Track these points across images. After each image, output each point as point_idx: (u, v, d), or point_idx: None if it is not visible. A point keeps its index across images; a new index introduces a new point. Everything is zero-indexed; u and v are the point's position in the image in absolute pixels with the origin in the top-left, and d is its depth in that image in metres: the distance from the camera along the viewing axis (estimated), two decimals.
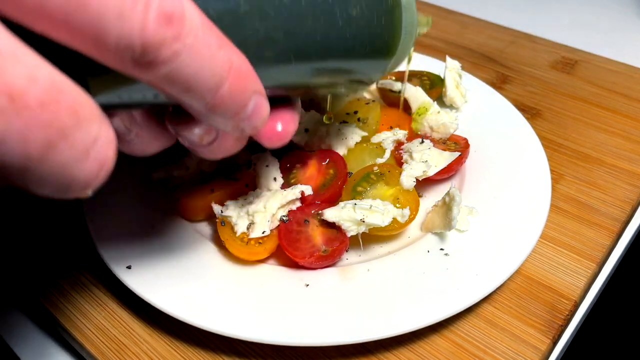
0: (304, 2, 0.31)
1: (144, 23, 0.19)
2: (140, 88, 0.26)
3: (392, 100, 0.62)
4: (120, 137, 0.31)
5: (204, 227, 0.51)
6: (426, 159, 0.52)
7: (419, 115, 0.58)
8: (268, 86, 0.32)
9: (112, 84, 0.26)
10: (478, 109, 0.63)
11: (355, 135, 0.54)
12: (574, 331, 0.49)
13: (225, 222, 0.47)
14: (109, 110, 0.26)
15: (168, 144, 0.33)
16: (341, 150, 0.53)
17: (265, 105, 0.29)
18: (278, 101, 0.35)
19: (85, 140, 0.20)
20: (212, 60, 0.23)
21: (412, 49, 0.41)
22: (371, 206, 0.46)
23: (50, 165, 0.19)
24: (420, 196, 0.53)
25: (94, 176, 0.21)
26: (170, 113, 0.31)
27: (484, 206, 0.50)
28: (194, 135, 0.30)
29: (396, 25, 0.37)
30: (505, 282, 0.45)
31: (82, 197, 0.22)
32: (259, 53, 0.30)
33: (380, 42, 0.37)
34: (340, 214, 0.46)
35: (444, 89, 0.62)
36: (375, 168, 0.51)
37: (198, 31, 0.22)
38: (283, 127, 0.35)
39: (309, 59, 0.33)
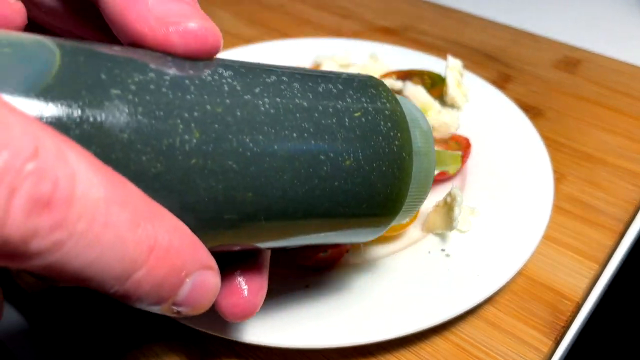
0: (280, 151, 0.25)
1: (6, 213, 0.15)
2: None
3: None
4: None
5: None
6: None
7: None
8: (230, 246, 0.28)
9: None
10: (480, 108, 0.62)
11: None
12: (576, 332, 0.49)
13: None
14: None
15: None
16: None
17: (212, 282, 0.25)
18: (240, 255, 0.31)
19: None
20: (119, 244, 0.18)
21: (425, 199, 0.36)
22: None
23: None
24: None
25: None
26: None
27: (486, 206, 0.50)
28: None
29: (403, 178, 0.31)
30: (507, 283, 0.45)
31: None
32: (215, 217, 0.24)
33: (379, 200, 0.30)
34: None
35: (445, 88, 0.62)
36: None
37: (98, 212, 0.17)
38: (252, 299, 0.30)
39: (283, 219, 0.27)
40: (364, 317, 0.41)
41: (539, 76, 0.75)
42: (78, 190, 0.17)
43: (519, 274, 0.48)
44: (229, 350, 0.43)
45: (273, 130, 0.25)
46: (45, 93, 0.20)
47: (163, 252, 0.21)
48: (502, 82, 0.74)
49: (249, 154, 0.24)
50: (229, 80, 0.26)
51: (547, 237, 0.51)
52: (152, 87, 0.23)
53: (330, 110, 0.29)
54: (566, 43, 0.82)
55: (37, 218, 0.16)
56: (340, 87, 0.30)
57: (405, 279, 0.44)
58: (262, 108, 0.26)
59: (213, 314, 0.41)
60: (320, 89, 0.29)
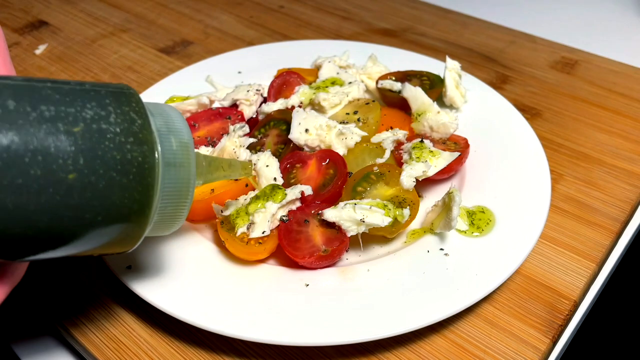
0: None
1: None
2: None
3: (392, 100, 0.62)
4: None
5: (204, 227, 0.51)
6: (426, 159, 0.52)
7: (419, 116, 0.58)
8: None
9: None
10: (478, 109, 0.63)
11: (355, 135, 0.54)
12: (573, 331, 0.49)
13: (225, 222, 0.47)
14: None
15: None
16: (341, 150, 0.53)
17: None
18: None
19: None
20: None
21: (187, 208, 0.36)
22: (371, 206, 0.46)
23: None
24: (420, 196, 0.53)
25: None
26: None
27: (484, 206, 0.50)
28: None
29: (146, 189, 0.31)
30: (505, 282, 0.45)
31: None
32: None
33: (120, 211, 0.30)
34: (340, 214, 0.46)
35: (443, 89, 0.62)
36: (375, 168, 0.51)
37: None
38: None
39: (6, 227, 0.27)
40: (363, 315, 0.41)
41: (536, 77, 0.75)
42: None
43: (517, 273, 0.49)
44: (229, 348, 0.44)
45: None
46: None
47: None
48: (500, 83, 0.74)
49: None
50: None
51: (544, 237, 0.52)
52: None
53: (53, 123, 0.28)
54: (563, 44, 0.82)
55: None
56: (85, 101, 0.30)
57: (404, 278, 0.44)
58: None
59: (215, 312, 0.42)
60: (49, 100, 0.29)
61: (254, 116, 0.62)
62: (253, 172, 0.50)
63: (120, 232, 0.32)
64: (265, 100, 0.63)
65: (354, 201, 0.47)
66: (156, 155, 0.32)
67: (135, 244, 0.34)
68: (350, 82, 0.62)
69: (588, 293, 0.50)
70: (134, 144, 0.31)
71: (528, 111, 0.68)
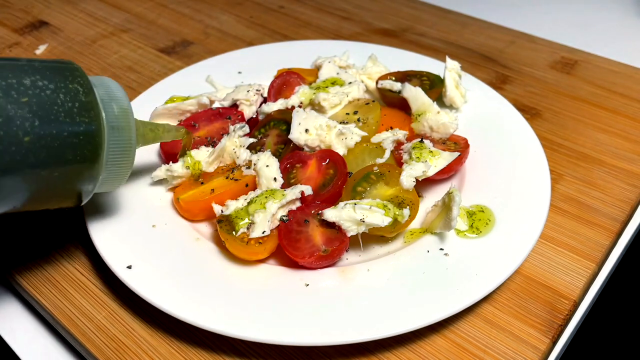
0: None
1: None
2: None
3: (392, 100, 0.62)
4: None
5: (204, 227, 0.51)
6: (426, 159, 0.52)
7: (419, 116, 0.58)
8: None
9: None
10: (478, 109, 0.63)
11: (355, 135, 0.54)
12: (573, 331, 0.49)
13: (225, 222, 0.47)
14: None
15: None
16: (341, 150, 0.53)
17: None
18: None
19: None
20: None
21: (129, 167, 0.42)
22: (371, 206, 0.46)
23: None
24: (420, 196, 0.53)
25: None
26: None
27: (484, 205, 0.50)
28: None
29: (94, 149, 0.37)
30: (505, 282, 0.45)
31: None
32: None
33: (73, 168, 0.37)
34: (340, 214, 0.46)
35: (443, 89, 0.62)
36: (375, 168, 0.51)
37: None
38: None
39: None
40: (363, 315, 0.41)
41: (536, 77, 0.75)
42: None
43: (517, 273, 0.49)
44: (229, 348, 0.44)
45: None
46: None
47: None
48: (500, 83, 0.74)
49: None
50: None
51: (544, 237, 0.52)
52: None
53: (14, 96, 0.34)
54: (563, 44, 0.82)
55: None
56: (34, 76, 0.35)
57: (404, 278, 0.44)
58: None
59: (215, 312, 0.42)
60: (10, 80, 0.34)
61: (254, 116, 0.62)
62: (186, 136, 0.52)
63: (73, 186, 0.38)
64: (265, 101, 0.63)
65: (354, 201, 0.47)
66: (101, 119, 0.38)
67: (86, 198, 0.40)
68: (350, 82, 0.62)
69: (588, 293, 0.50)
70: (81, 109, 0.37)
71: (528, 111, 0.69)
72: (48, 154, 0.35)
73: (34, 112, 0.34)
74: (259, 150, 0.55)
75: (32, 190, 0.36)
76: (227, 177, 0.52)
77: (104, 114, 0.38)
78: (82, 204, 0.41)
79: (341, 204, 0.47)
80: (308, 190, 0.49)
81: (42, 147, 0.34)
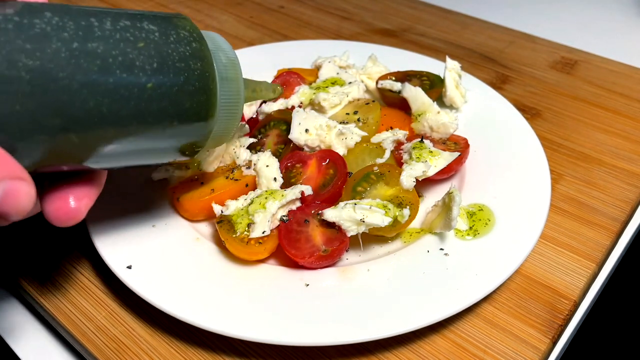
0: (85, 77, 0.30)
1: None
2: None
3: (392, 100, 0.62)
4: None
5: (204, 227, 0.51)
6: (426, 159, 0.52)
7: (419, 116, 0.58)
8: (54, 165, 0.32)
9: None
10: (478, 109, 0.63)
11: (355, 135, 0.54)
12: (573, 331, 0.49)
13: (225, 222, 0.47)
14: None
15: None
16: (341, 150, 0.53)
17: (24, 190, 0.28)
18: (76, 174, 0.34)
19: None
20: None
21: (238, 119, 0.42)
22: (371, 206, 0.46)
23: None
24: (420, 196, 0.53)
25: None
26: None
27: (482, 204, 0.50)
28: None
29: (210, 98, 0.37)
30: (505, 282, 0.45)
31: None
32: (28, 131, 0.29)
33: (190, 116, 0.36)
34: (340, 214, 0.46)
35: (443, 89, 0.63)
36: (375, 168, 0.51)
37: None
38: (75, 203, 0.33)
39: (93, 137, 0.32)
40: (363, 315, 0.41)
41: (536, 77, 0.75)
42: None
43: (517, 273, 0.49)
44: (229, 348, 0.44)
45: (77, 57, 0.30)
46: None
47: None
48: (500, 83, 0.74)
49: (61, 80, 0.29)
50: (52, 20, 0.30)
51: (544, 237, 0.52)
52: None
53: (132, 40, 0.33)
54: (563, 44, 0.82)
55: None
56: (144, 22, 0.35)
57: (404, 278, 0.44)
58: (69, 36, 0.30)
59: (215, 312, 0.42)
60: (125, 23, 0.33)
61: (254, 116, 0.62)
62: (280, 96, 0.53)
63: (190, 135, 0.37)
64: (265, 101, 0.63)
65: (354, 201, 0.47)
66: (214, 67, 0.37)
67: (200, 147, 0.40)
68: (350, 82, 0.62)
69: (588, 293, 0.50)
70: (194, 56, 0.36)
71: (528, 111, 0.69)
72: (169, 101, 0.34)
73: (152, 57, 0.33)
74: (259, 150, 0.55)
75: (153, 141, 0.35)
76: (227, 177, 0.52)
77: (215, 63, 0.38)
78: (193, 157, 0.41)
79: (341, 204, 0.47)
80: (308, 190, 0.49)
81: (162, 94, 0.34)
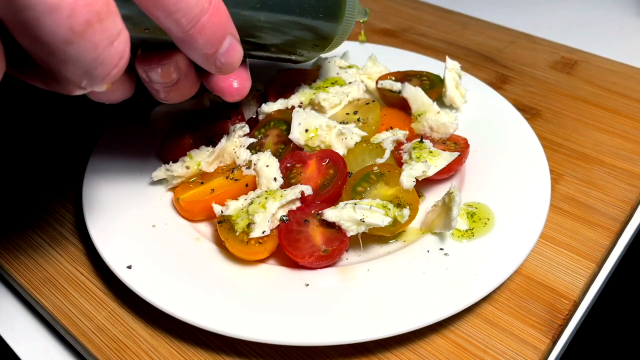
0: None
1: None
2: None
3: (392, 100, 0.62)
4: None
5: (204, 227, 0.51)
6: (426, 159, 0.52)
7: (419, 116, 0.58)
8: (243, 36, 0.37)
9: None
10: (478, 109, 0.63)
11: (355, 135, 0.54)
12: (573, 331, 0.49)
13: (225, 222, 0.47)
14: None
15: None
16: (341, 150, 0.53)
17: (239, 50, 0.35)
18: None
19: (112, 29, 0.25)
20: None
21: (355, 18, 0.51)
22: (371, 206, 0.46)
23: (87, 41, 0.24)
24: (420, 196, 0.53)
25: (114, 64, 0.26)
26: (140, 55, 0.36)
27: (480, 202, 0.50)
28: (158, 75, 0.36)
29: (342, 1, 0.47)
30: (505, 282, 0.45)
31: (100, 90, 0.28)
32: (240, 4, 0.36)
33: (332, 7, 0.46)
34: (340, 214, 0.46)
35: (443, 89, 0.62)
36: (375, 168, 0.51)
37: None
38: (240, 83, 0.41)
39: (271, 9, 0.40)
40: (363, 315, 0.41)
41: (536, 77, 0.75)
42: None
43: (517, 273, 0.49)
44: (229, 348, 0.44)
45: None
46: None
47: (216, 9, 0.31)
48: (500, 83, 0.74)
49: None
50: None
51: (544, 237, 0.52)
52: None
53: None
54: (563, 44, 0.82)
55: None
56: None
57: (404, 278, 0.44)
58: None
59: (215, 312, 0.42)
60: None
61: (254, 116, 0.62)
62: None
63: (328, 25, 0.47)
64: (265, 101, 0.63)
65: (354, 201, 0.47)
66: None
67: (332, 37, 0.49)
68: (350, 82, 0.62)
69: (588, 293, 0.51)
70: None
71: (528, 111, 0.69)
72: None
73: None
74: (259, 150, 0.55)
75: (295, 28, 0.44)
76: (227, 177, 0.52)
77: None
78: (326, 48, 0.51)
79: (341, 204, 0.47)
80: (308, 190, 0.49)
81: None
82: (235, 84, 0.41)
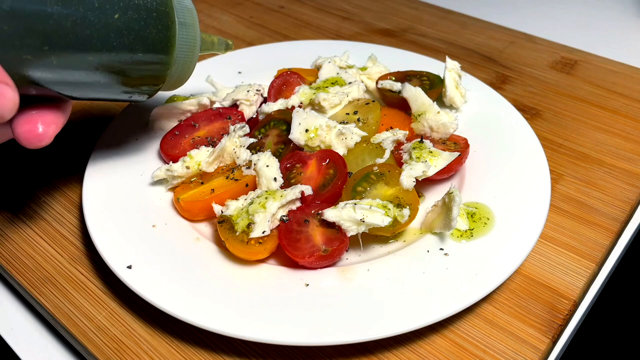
0: (58, 7, 0.34)
1: None
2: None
3: (392, 100, 0.62)
4: None
5: (204, 227, 0.51)
6: (426, 159, 0.52)
7: (419, 116, 0.58)
8: (29, 88, 0.36)
9: None
10: (478, 109, 0.63)
11: (355, 135, 0.54)
12: (573, 331, 0.49)
13: (225, 222, 0.48)
14: None
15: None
16: (341, 150, 0.54)
17: (9, 94, 0.32)
18: (45, 101, 0.38)
19: None
20: None
21: (194, 63, 0.47)
22: (371, 206, 0.46)
23: None
24: (420, 196, 0.53)
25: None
26: None
27: (479, 202, 0.50)
28: None
29: (170, 38, 0.43)
30: (505, 281, 0.45)
31: None
32: (15, 47, 0.33)
33: (154, 47, 0.41)
34: (340, 214, 0.46)
35: (443, 89, 0.63)
36: (375, 168, 0.51)
37: None
38: (43, 128, 0.37)
39: (71, 63, 0.36)
40: (363, 315, 0.41)
41: (536, 77, 0.75)
42: None
43: (517, 273, 0.49)
44: (229, 348, 0.44)
45: None
46: None
47: None
48: (500, 83, 0.74)
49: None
50: None
51: (544, 237, 0.52)
52: None
53: None
54: (563, 44, 0.82)
55: None
56: None
57: (404, 278, 0.44)
58: None
59: (215, 312, 0.42)
60: None
61: (254, 116, 0.62)
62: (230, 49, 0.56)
63: (153, 68, 0.43)
64: (265, 101, 0.63)
65: (354, 201, 0.47)
66: (174, 12, 0.43)
67: (159, 83, 0.45)
68: (350, 82, 0.62)
69: (588, 293, 0.51)
70: (161, 4, 0.41)
71: (528, 111, 0.69)
72: (135, 36, 0.39)
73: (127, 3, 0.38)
74: (259, 150, 0.55)
75: (118, 68, 0.40)
76: (227, 177, 0.52)
77: (175, 8, 0.43)
78: (149, 98, 0.46)
79: (341, 204, 0.47)
80: (308, 190, 0.49)
81: (129, 28, 0.39)
82: (40, 127, 0.37)
